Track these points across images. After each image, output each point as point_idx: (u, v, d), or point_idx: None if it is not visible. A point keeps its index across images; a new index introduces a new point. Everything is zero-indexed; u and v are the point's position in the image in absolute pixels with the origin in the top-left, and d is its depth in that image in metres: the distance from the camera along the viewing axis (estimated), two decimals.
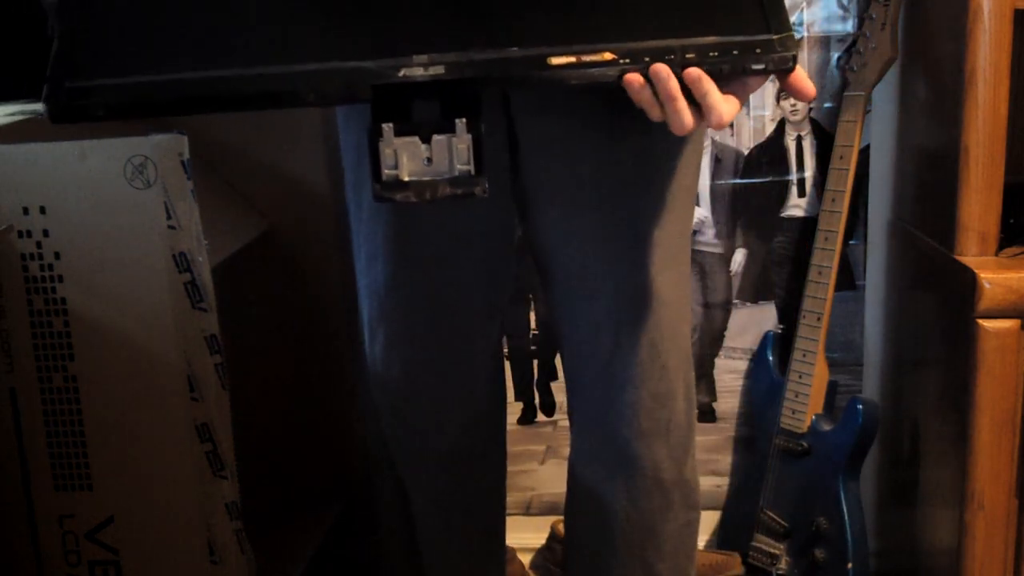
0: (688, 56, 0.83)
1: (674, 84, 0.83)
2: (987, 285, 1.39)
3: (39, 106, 1.31)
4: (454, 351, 1.23)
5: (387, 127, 0.84)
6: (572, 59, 0.82)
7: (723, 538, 1.88)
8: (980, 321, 1.40)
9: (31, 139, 1.15)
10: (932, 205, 1.58)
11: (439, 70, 0.83)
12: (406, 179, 0.85)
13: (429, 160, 0.85)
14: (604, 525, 1.22)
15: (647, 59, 0.83)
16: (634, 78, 0.83)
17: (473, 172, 0.85)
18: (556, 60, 0.82)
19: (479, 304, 1.22)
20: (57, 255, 1.13)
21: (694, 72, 0.83)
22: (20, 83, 1.43)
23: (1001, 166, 1.43)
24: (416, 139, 0.85)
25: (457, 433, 1.27)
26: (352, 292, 1.27)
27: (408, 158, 0.85)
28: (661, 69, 0.82)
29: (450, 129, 0.84)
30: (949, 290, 1.49)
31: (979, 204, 1.44)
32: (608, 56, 0.83)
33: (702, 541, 1.86)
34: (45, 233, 1.12)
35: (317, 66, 0.83)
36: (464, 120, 0.84)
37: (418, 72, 0.83)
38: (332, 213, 1.66)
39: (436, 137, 0.85)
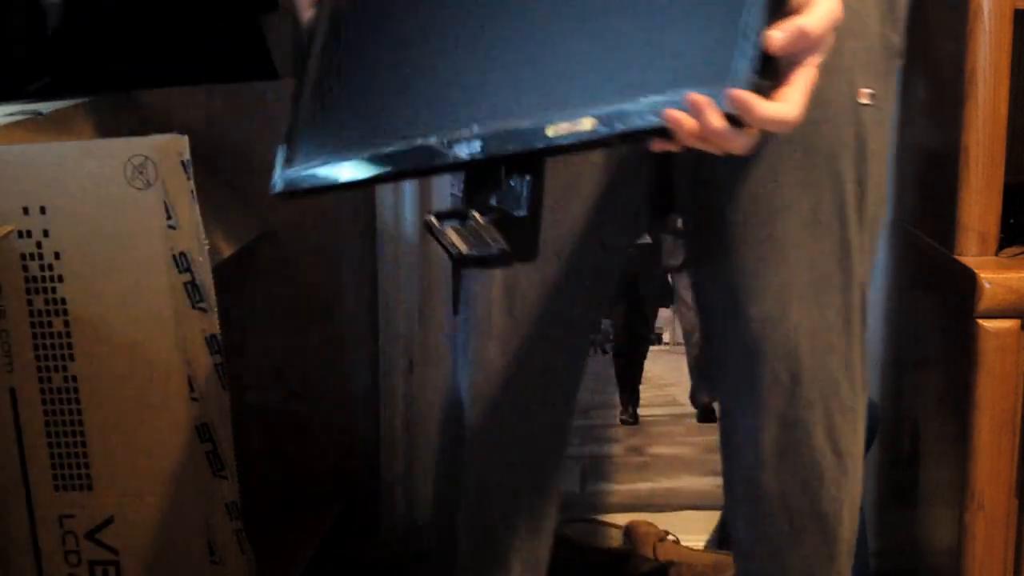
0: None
1: (717, 113, 0.71)
2: (987, 285, 1.39)
3: (39, 106, 1.31)
4: (549, 391, 1.17)
5: (431, 218, 0.82)
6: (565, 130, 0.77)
7: (723, 538, 1.88)
8: (980, 321, 1.40)
9: (31, 139, 1.15)
10: (932, 205, 1.57)
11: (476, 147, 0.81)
12: (473, 254, 0.83)
13: (478, 237, 0.82)
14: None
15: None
16: (675, 115, 0.71)
17: (513, 247, 0.81)
18: (552, 130, 0.77)
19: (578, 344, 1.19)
20: (57, 255, 1.13)
21: (735, 94, 0.70)
22: (20, 83, 1.43)
23: (1001, 166, 1.42)
24: (456, 222, 0.82)
25: (552, 470, 1.22)
26: (352, 292, 1.26)
27: (459, 239, 0.82)
28: (699, 99, 0.70)
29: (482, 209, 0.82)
30: (949, 290, 1.49)
31: (979, 204, 1.43)
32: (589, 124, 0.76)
33: (702, 541, 1.86)
34: (45, 233, 1.12)
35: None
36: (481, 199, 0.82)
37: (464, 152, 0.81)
38: (332, 213, 1.66)
39: (475, 215, 0.81)
